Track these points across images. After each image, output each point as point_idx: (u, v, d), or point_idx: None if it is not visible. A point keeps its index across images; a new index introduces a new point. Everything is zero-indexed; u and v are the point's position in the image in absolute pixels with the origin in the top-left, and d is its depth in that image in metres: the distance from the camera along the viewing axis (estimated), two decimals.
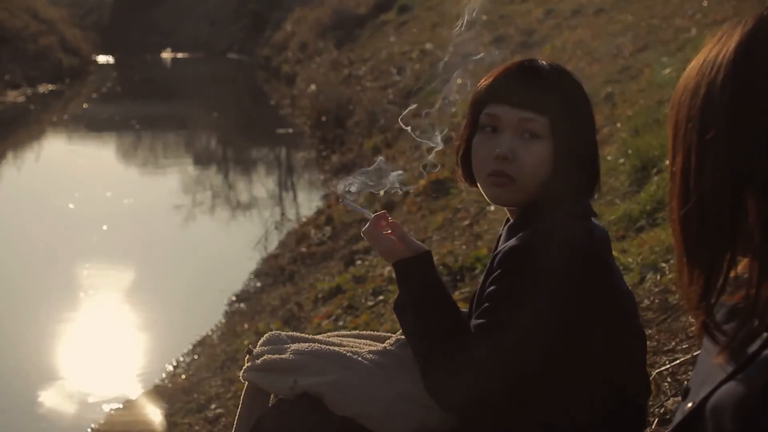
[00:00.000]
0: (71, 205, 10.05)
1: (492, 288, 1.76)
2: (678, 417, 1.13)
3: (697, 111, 1.06)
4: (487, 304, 1.77)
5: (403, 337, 1.97)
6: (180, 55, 31.16)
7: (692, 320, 3.13)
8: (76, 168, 12.94)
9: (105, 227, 9.11)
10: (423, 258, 1.91)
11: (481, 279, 1.87)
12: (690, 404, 1.10)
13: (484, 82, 1.91)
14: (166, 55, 31.05)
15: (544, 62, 1.89)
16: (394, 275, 2.04)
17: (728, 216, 1.03)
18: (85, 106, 19.70)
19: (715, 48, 1.06)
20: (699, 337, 1.10)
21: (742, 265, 1.08)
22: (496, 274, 1.77)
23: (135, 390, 5.51)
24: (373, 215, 1.97)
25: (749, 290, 1.02)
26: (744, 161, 1.02)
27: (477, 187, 1.93)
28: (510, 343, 1.72)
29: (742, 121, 1.02)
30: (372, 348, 1.97)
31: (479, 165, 1.88)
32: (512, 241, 1.78)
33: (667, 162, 3.77)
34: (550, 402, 1.75)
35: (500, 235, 1.94)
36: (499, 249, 1.85)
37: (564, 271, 1.71)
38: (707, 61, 1.07)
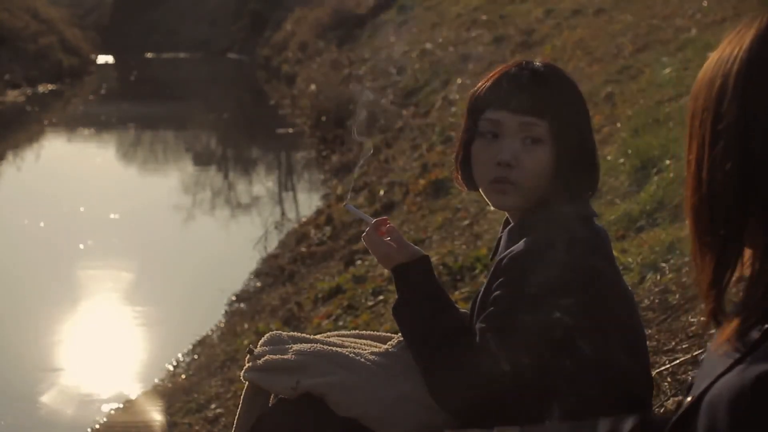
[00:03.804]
0: (89, 189, 10.05)
1: (497, 293, 1.76)
2: (678, 411, 1.14)
3: (711, 102, 1.08)
4: (492, 309, 1.77)
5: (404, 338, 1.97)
6: (180, 55, 31.15)
7: (692, 320, 3.13)
8: (76, 167, 12.93)
9: (98, 231, 9.11)
10: (420, 263, 1.92)
11: (481, 280, 1.87)
12: (690, 398, 1.11)
13: (481, 87, 1.90)
14: (167, 55, 31.05)
15: (539, 63, 1.89)
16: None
17: (736, 206, 1.04)
18: (84, 106, 19.70)
19: (733, 42, 1.09)
20: (706, 326, 1.11)
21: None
22: (501, 279, 1.77)
23: (135, 390, 5.51)
24: (373, 221, 1.98)
25: (750, 280, 1.04)
26: (753, 152, 1.03)
27: (476, 191, 1.93)
28: (514, 347, 1.73)
29: (753, 113, 1.04)
30: (374, 349, 1.98)
31: (481, 172, 1.87)
32: (517, 246, 1.78)
33: (668, 161, 3.76)
34: (554, 402, 1.75)
35: (500, 237, 1.94)
36: (501, 253, 1.84)
37: (568, 273, 1.71)
38: (724, 54, 1.09)
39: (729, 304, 1.09)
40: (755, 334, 1.04)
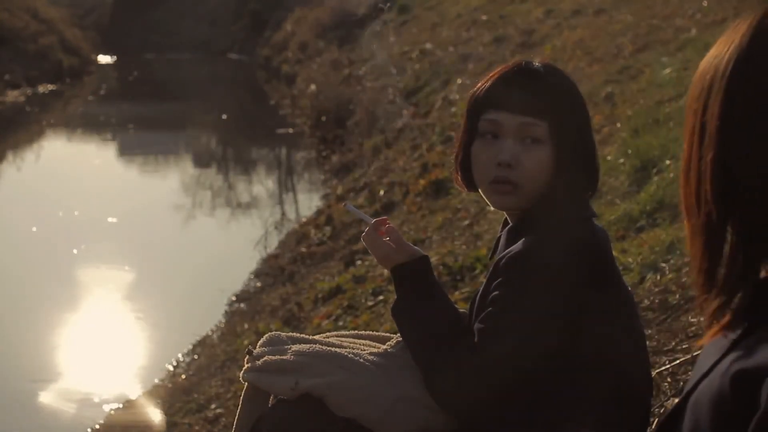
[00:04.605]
0: (88, 189, 10.05)
1: (496, 293, 1.76)
2: (666, 411, 1.15)
3: (701, 95, 1.10)
4: (490, 309, 1.76)
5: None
6: (180, 55, 31.15)
7: (692, 320, 3.13)
8: (76, 168, 12.94)
9: (109, 222, 9.12)
10: (420, 263, 1.92)
11: (481, 280, 1.87)
12: (677, 399, 1.12)
13: (480, 87, 1.89)
14: (167, 55, 31.05)
15: (539, 63, 1.88)
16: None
17: (718, 194, 1.06)
18: (84, 106, 19.70)
19: (727, 38, 1.10)
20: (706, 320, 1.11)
21: None
22: (499, 279, 1.76)
23: (135, 390, 5.51)
24: (373, 221, 1.97)
25: (729, 263, 1.06)
26: (733, 144, 1.05)
27: (476, 191, 1.92)
28: (513, 348, 1.73)
29: (735, 106, 1.06)
30: (373, 350, 1.97)
31: (481, 172, 1.87)
32: (516, 247, 1.77)
33: (668, 162, 3.76)
34: (553, 403, 1.75)
35: (499, 237, 1.94)
36: (500, 253, 1.84)
37: (567, 275, 1.71)
38: (717, 50, 1.12)
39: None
40: (738, 331, 1.05)
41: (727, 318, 1.06)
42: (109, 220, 9.38)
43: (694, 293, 1.11)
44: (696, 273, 1.10)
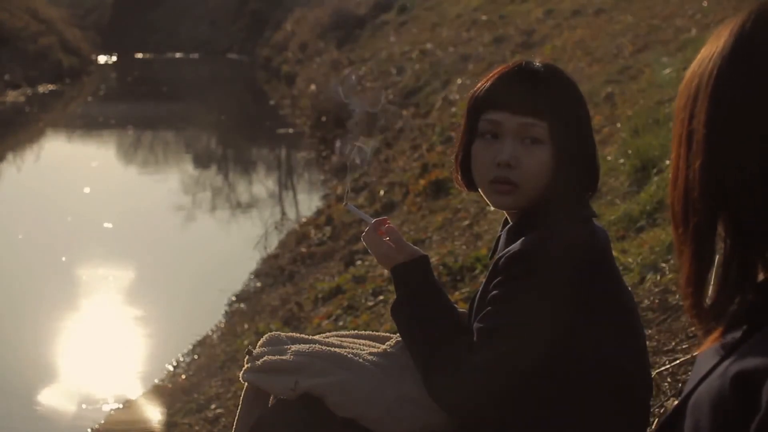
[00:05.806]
0: (87, 189, 10.06)
1: (495, 292, 1.76)
2: (665, 414, 1.15)
3: (688, 101, 1.10)
4: (489, 308, 1.76)
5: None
6: (180, 55, 31.16)
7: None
8: (76, 168, 12.95)
9: (108, 225, 9.12)
10: (419, 263, 1.92)
11: (481, 280, 1.87)
12: (677, 401, 1.12)
13: (480, 87, 1.89)
14: (166, 55, 31.04)
15: (539, 63, 1.88)
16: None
17: (706, 201, 1.06)
18: (84, 107, 19.69)
19: (713, 42, 1.10)
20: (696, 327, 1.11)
21: None
22: (499, 278, 1.76)
23: (135, 390, 5.51)
24: (373, 221, 1.97)
25: (722, 273, 1.05)
26: (720, 151, 1.05)
27: (476, 191, 1.92)
28: (512, 347, 1.72)
29: (721, 112, 1.06)
30: (372, 350, 1.97)
31: (481, 172, 1.87)
32: (515, 246, 1.77)
33: (668, 162, 3.78)
34: (553, 403, 1.75)
35: (499, 237, 1.94)
36: (499, 252, 1.84)
37: (567, 274, 1.71)
38: (704, 54, 1.11)
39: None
40: (737, 335, 1.05)
41: (724, 323, 1.06)
42: (113, 217, 9.38)
43: (683, 302, 1.11)
44: (685, 282, 1.09)
